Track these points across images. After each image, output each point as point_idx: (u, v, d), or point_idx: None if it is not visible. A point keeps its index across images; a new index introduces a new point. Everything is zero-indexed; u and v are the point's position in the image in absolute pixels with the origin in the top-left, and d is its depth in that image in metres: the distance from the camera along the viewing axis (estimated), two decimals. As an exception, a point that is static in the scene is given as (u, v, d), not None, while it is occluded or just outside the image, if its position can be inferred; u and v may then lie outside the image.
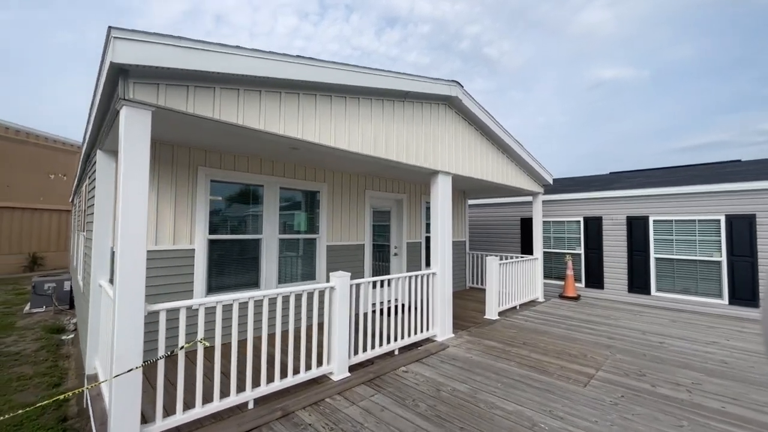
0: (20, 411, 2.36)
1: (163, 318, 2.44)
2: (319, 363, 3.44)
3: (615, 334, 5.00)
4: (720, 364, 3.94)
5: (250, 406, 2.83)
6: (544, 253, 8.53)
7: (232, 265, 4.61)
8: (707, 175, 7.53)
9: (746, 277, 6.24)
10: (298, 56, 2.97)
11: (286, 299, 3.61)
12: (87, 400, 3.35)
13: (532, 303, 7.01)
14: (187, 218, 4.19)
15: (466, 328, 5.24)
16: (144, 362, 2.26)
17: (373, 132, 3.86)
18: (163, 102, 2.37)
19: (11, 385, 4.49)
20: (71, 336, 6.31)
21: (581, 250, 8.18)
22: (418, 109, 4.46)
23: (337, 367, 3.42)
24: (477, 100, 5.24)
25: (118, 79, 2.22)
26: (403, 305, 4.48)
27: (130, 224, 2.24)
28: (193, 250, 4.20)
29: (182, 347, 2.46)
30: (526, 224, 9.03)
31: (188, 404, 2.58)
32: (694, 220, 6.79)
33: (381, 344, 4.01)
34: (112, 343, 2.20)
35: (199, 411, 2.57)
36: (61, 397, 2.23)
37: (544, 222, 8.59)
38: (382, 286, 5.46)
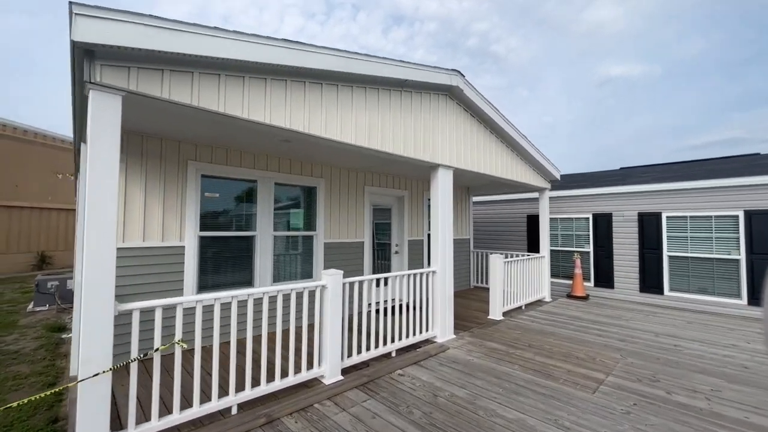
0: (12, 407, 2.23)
1: (136, 318, 2.28)
2: (310, 365, 3.26)
3: (626, 336, 4.74)
4: (740, 369, 3.67)
5: (234, 411, 2.67)
6: (551, 251, 8.25)
7: (224, 262, 4.46)
8: (724, 169, 7.18)
9: (767, 276, 5.90)
10: (283, 40, 2.79)
11: (273, 299, 3.45)
12: (68, 403, 3.22)
13: (539, 303, 6.76)
14: (177, 214, 4.04)
15: (469, 328, 5.02)
16: (114, 366, 2.11)
17: (368, 122, 3.66)
18: (134, 86, 2.21)
19: (6, 384, 4.41)
20: (71, 335, 6.25)
21: (590, 248, 7.88)
22: (416, 100, 4.25)
23: (329, 370, 3.24)
24: (480, 91, 5.01)
25: (84, 61, 2.06)
26: (402, 305, 4.28)
27: (98, 218, 2.09)
28: (183, 247, 4.06)
29: (157, 349, 2.31)
30: (533, 221, 8.75)
31: (165, 410, 2.43)
32: (711, 216, 6.46)
33: (377, 345, 3.82)
34: (78, 345, 2.05)
35: (177, 417, 2.41)
36: (35, 398, 2.08)
37: (551, 219, 8.31)
38: (378, 285, 5.27)
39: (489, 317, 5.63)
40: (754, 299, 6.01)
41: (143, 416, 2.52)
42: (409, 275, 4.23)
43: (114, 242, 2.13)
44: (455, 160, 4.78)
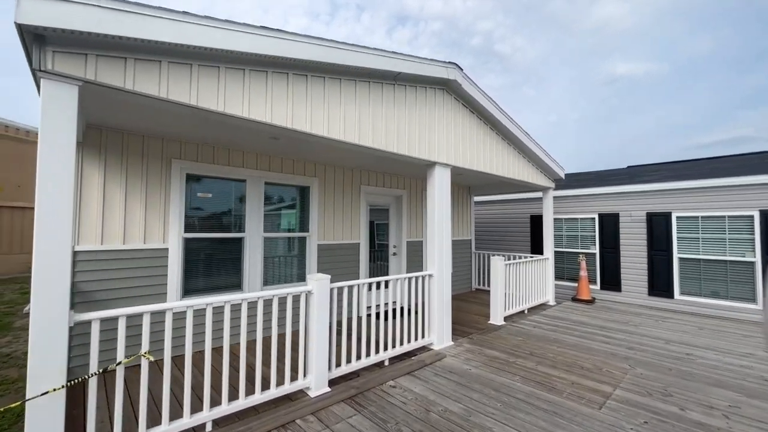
0: None
1: (96, 329, 2.09)
2: (294, 377, 3.06)
3: (635, 344, 4.48)
4: (760, 382, 3.40)
5: (208, 428, 2.47)
6: (556, 252, 7.98)
7: (211, 265, 4.27)
8: (738, 167, 6.86)
9: (784, 279, 5.59)
10: (262, 27, 2.59)
11: (252, 305, 3.24)
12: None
13: (542, 306, 6.50)
14: (160, 215, 3.86)
15: (468, 334, 4.79)
16: (68, 383, 1.91)
17: (358, 118, 3.45)
18: (92, 76, 2.02)
19: (-9, 390, 4.27)
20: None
21: (596, 250, 7.60)
22: (411, 94, 4.03)
23: (314, 382, 3.03)
24: (483, 88, 4.78)
25: (33, 47, 1.87)
26: (401, 309, 4.08)
27: (49, 219, 1.89)
28: (167, 249, 3.88)
29: (119, 363, 2.11)
30: (536, 222, 8.49)
31: (130, 429, 2.24)
32: (724, 217, 6.16)
33: (369, 354, 3.61)
34: (29, 360, 1.86)
35: (143, 436, 2.21)
36: None
37: (555, 219, 8.04)
38: (369, 289, 5.05)
39: (490, 322, 5.39)
40: (771, 304, 5.70)
41: (109, 434, 2.33)
42: (404, 279, 4.01)
43: (69, 246, 1.93)
44: (453, 157, 4.55)
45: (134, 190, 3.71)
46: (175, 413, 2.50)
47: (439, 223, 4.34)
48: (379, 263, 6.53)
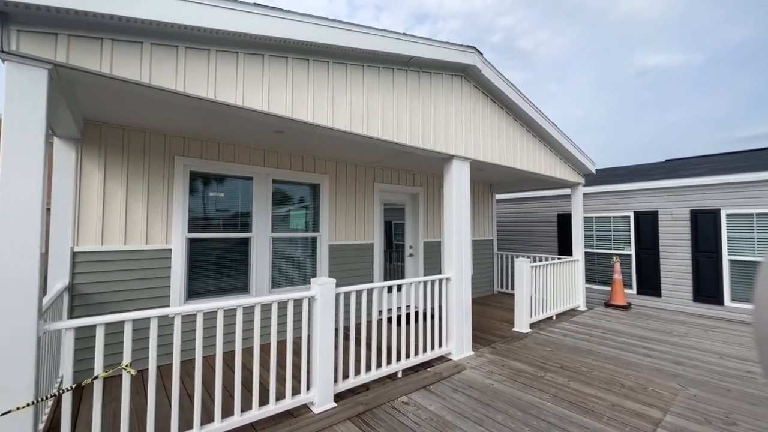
0: None
1: (69, 339, 1.89)
2: (296, 390, 2.79)
3: (683, 358, 3.95)
4: None
5: (198, 448, 2.24)
6: (586, 253, 7.41)
7: (216, 267, 4.09)
8: (798, 158, 6.09)
9: None
10: (256, 5, 2.34)
11: (249, 311, 3.00)
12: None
13: (572, 312, 5.99)
14: (163, 214, 3.71)
15: (490, 343, 4.40)
16: (36, 399, 1.71)
17: (366, 106, 3.15)
18: (64, 58, 1.81)
19: None
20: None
21: (631, 251, 6.98)
22: (426, 81, 3.70)
23: (318, 396, 2.76)
24: (501, 72, 4.38)
25: (-6, 26, 1.69)
26: (417, 313, 3.77)
27: (15, 219, 1.70)
28: (170, 250, 3.72)
29: (96, 377, 1.90)
30: (564, 221, 7.92)
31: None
32: (783, 214, 5.45)
33: (380, 365, 3.30)
34: None
35: (124, 458, 2.00)
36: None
37: (585, 218, 7.46)
38: (386, 292, 4.74)
39: (514, 329, 4.97)
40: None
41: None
42: (418, 283, 3.68)
43: (38, 248, 1.74)
44: (473, 151, 4.18)
45: (135, 188, 3.56)
46: (162, 430, 2.28)
47: (457, 223, 3.99)
48: (394, 264, 6.23)
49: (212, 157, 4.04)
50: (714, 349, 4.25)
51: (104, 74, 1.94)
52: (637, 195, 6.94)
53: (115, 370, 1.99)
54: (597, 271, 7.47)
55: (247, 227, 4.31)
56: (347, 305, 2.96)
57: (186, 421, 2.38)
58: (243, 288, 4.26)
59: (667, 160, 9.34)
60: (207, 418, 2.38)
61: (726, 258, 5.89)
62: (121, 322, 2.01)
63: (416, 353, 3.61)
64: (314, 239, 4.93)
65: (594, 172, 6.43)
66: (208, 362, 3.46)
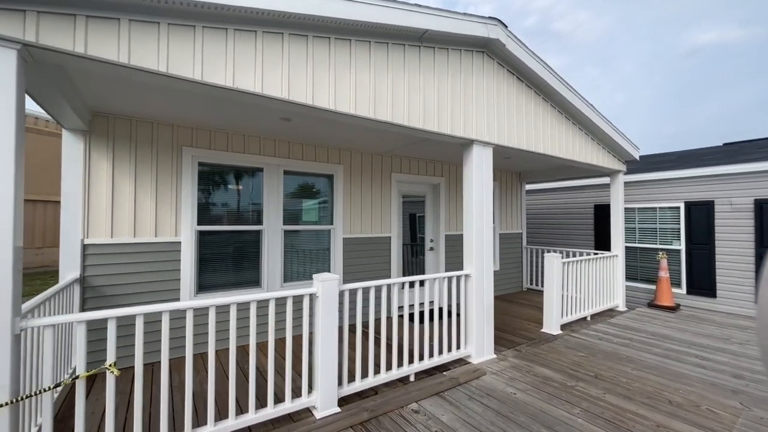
0: None
1: (49, 338, 1.79)
2: (297, 393, 2.62)
3: (744, 370, 3.41)
4: None
5: (190, 452, 2.12)
6: (627, 248, 6.75)
7: (227, 260, 4.01)
8: None
9: None
10: (243, -27, 2.12)
11: (244, 308, 2.83)
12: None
13: (610, 313, 5.45)
14: (172, 207, 3.65)
15: (515, 345, 4.04)
16: (12, 399, 1.63)
17: (373, 87, 2.88)
18: (33, 37, 1.68)
19: None
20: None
21: (681, 245, 6.26)
22: (442, 58, 3.36)
23: (320, 400, 2.57)
24: (529, 46, 3.94)
25: (-44, 3, 1.58)
26: (441, 310, 3.52)
27: (-16, 208, 1.60)
28: (179, 243, 3.67)
29: (77, 376, 1.80)
30: (602, 213, 7.26)
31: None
32: None
33: (390, 367, 3.07)
34: (-33, 371, 1.60)
35: (110, 461, 1.90)
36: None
37: (627, 209, 6.79)
38: (397, 288, 4.51)
39: (543, 331, 4.56)
40: None
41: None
42: (432, 280, 3.40)
43: (10, 241, 1.64)
44: (496, 135, 3.79)
45: (144, 180, 3.52)
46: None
47: (478, 215, 3.64)
48: (415, 258, 5.96)
49: (221, 148, 3.93)
50: (784, 361, 3.64)
51: (78, 54, 1.80)
52: (689, 183, 6.18)
53: (98, 369, 1.89)
54: (640, 267, 6.79)
55: (258, 220, 4.20)
56: (355, 302, 2.76)
57: (176, 423, 2.27)
58: (255, 282, 4.17)
59: (725, 144, 8.30)
60: (199, 422, 2.26)
61: (798, 255, 5.09)
62: (105, 319, 1.90)
63: (431, 355, 3.34)
64: (328, 232, 4.75)
65: (637, 158, 5.77)
66: (202, 359, 3.39)
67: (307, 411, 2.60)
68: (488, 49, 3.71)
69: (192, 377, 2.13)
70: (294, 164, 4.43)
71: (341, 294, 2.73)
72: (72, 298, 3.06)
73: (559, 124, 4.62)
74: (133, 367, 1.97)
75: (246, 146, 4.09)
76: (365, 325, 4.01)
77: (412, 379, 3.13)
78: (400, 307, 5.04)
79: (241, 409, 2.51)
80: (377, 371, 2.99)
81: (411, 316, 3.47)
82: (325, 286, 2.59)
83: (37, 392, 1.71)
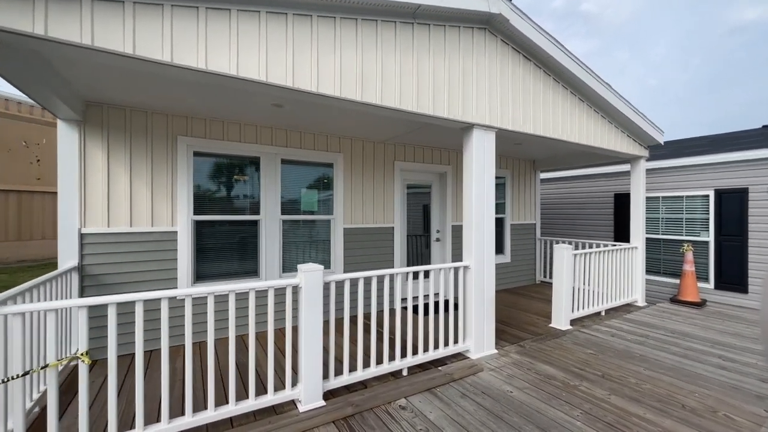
0: None
1: (18, 325, 1.78)
2: (280, 386, 2.57)
3: (772, 373, 3.10)
4: None
5: (167, 442, 2.10)
6: (649, 239, 6.33)
7: (224, 250, 4.00)
8: None
9: None
10: (211, -54, 2.00)
11: (222, 300, 2.79)
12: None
13: (627, 308, 5.14)
14: (167, 196, 3.65)
15: (519, 340, 3.85)
16: (-20, 386, 1.63)
17: (361, 67, 2.72)
18: (-11, 19, 1.64)
19: None
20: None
21: (709, 237, 5.80)
22: (438, 37, 3.15)
23: (305, 393, 2.51)
24: (537, 22, 3.65)
25: None
26: (447, 302, 3.40)
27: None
28: (176, 232, 3.67)
29: (46, 365, 1.79)
30: (622, 202, 6.84)
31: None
32: None
33: (380, 361, 2.97)
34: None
35: (84, 449, 1.90)
36: None
37: (650, 198, 6.35)
38: (400, 279, 4.39)
39: (551, 326, 4.34)
40: None
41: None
42: (429, 272, 3.26)
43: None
44: (499, 118, 3.56)
45: (139, 170, 3.52)
46: (125, 424, 2.18)
47: (478, 203, 3.45)
48: (420, 249, 5.80)
49: (217, 137, 3.89)
50: (821, 365, 3.29)
51: (38, 36, 1.74)
52: (720, 169, 5.69)
53: (69, 358, 1.88)
54: (663, 260, 6.37)
55: (255, 209, 4.16)
56: (353, 293, 2.69)
57: (152, 415, 2.26)
58: (253, 272, 4.15)
59: (764, 126, 7.60)
60: (176, 412, 2.24)
61: None
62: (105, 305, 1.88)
63: (426, 349, 3.22)
64: (328, 222, 4.66)
65: (662, 142, 5.34)
66: (178, 353, 3.40)
67: (292, 404, 2.54)
68: (490, 26, 3.46)
69: (168, 370, 2.10)
70: (292, 153, 4.34)
71: (327, 285, 2.64)
72: (69, 284, 3.11)
73: (573, 106, 4.30)
74: (132, 354, 1.95)
75: (242, 135, 4.03)
76: (367, 317, 3.94)
77: (405, 373, 3.03)
78: (415, 297, 4.93)
79: (226, 399, 2.48)
80: (366, 365, 2.90)
81: (415, 308, 3.35)
82: (309, 277, 2.50)
83: (6, 380, 1.71)
